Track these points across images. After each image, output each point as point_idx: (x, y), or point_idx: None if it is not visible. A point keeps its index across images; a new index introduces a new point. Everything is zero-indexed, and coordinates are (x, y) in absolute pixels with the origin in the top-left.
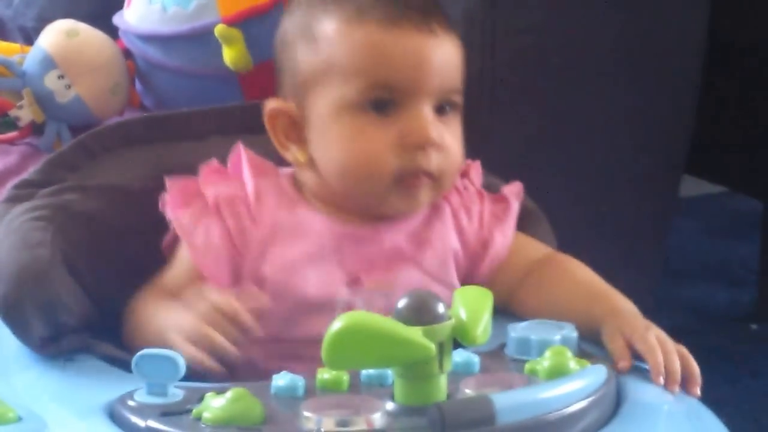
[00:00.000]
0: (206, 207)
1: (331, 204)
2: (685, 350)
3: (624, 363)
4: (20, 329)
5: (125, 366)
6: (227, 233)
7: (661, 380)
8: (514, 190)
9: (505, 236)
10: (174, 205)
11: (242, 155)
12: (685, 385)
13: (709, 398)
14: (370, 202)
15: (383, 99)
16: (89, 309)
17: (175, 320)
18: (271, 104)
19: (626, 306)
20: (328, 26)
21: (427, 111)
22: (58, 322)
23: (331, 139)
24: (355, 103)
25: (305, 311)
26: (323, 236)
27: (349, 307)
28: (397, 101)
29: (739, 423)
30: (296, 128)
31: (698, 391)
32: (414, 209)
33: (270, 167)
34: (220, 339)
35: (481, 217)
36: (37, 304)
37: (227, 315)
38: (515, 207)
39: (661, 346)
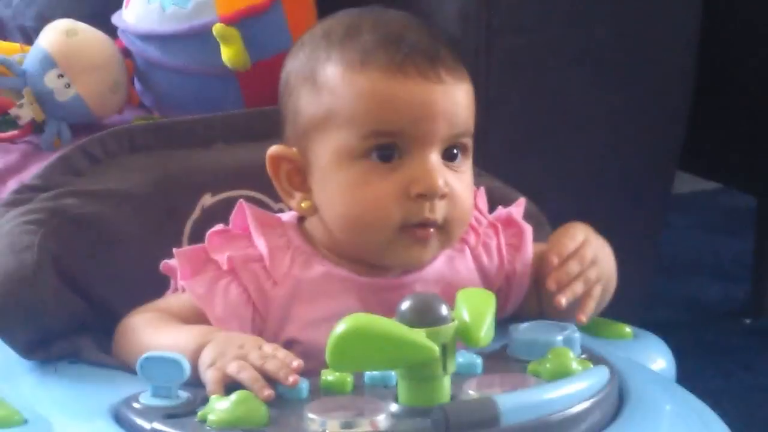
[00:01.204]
0: (219, 272)
1: (341, 255)
2: (596, 290)
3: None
4: (6, 335)
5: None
6: (247, 295)
7: (555, 260)
8: (520, 210)
9: (525, 266)
10: (185, 275)
11: (248, 214)
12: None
13: (703, 392)
14: (373, 253)
15: (387, 146)
16: (81, 312)
17: (210, 354)
18: (273, 150)
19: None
20: (331, 72)
21: (434, 158)
22: (44, 327)
23: (334, 188)
24: (358, 150)
25: None
26: (348, 291)
27: None
28: (402, 148)
29: (733, 416)
30: (300, 175)
31: (582, 318)
32: (420, 261)
33: (275, 220)
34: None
35: (499, 251)
36: (22, 309)
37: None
38: (528, 231)
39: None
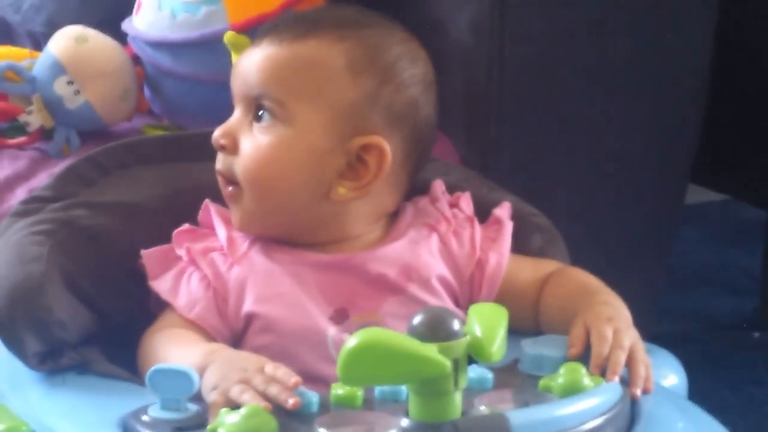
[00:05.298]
0: (183, 265)
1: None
2: (649, 362)
3: (572, 350)
4: (15, 346)
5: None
6: (207, 282)
7: (597, 372)
8: (504, 212)
9: (500, 254)
10: (153, 275)
11: (211, 210)
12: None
13: (711, 405)
14: None
15: None
16: (90, 323)
17: (213, 377)
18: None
19: (607, 300)
20: None
21: (235, 114)
22: (52, 338)
23: None
24: None
25: (295, 344)
26: (300, 267)
27: (339, 342)
28: None
29: (741, 431)
30: None
31: (638, 393)
32: (233, 219)
33: None
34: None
35: (472, 240)
36: (30, 320)
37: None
38: (509, 226)
39: (615, 341)
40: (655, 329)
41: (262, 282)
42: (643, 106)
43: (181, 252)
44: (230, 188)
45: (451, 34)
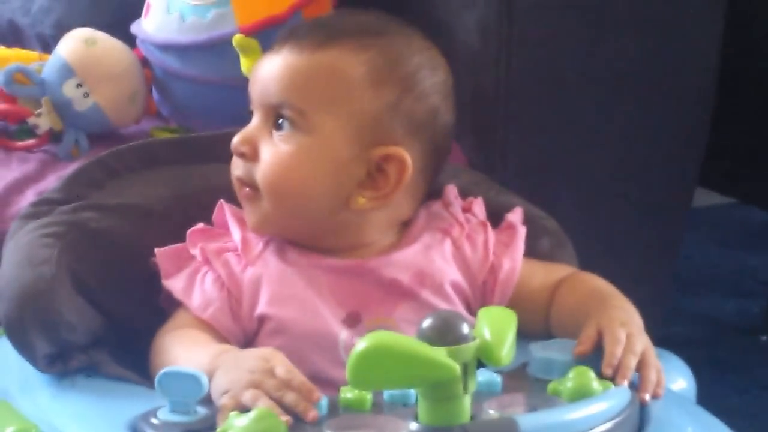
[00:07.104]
0: (197, 265)
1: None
2: (660, 367)
3: (580, 347)
4: (24, 348)
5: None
6: (221, 282)
7: (610, 371)
8: (517, 217)
9: (513, 260)
10: (166, 274)
11: (226, 210)
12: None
13: (718, 409)
14: None
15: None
16: (99, 326)
17: (223, 382)
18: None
19: (621, 305)
20: None
21: (253, 122)
22: (61, 341)
23: None
24: None
25: (306, 347)
26: (314, 270)
27: (350, 346)
28: None
29: None
30: None
31: (647, 398)
32: (247, 220)
33: None
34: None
35: (486, 245)
36: (39, 322)
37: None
38: (522, 231)
39: (627, 345)
40: (661, 332)
41: (276, 283)
42: (650, 109)
43: (194, 251)
44: (247, 189)
45: (458, 36)
